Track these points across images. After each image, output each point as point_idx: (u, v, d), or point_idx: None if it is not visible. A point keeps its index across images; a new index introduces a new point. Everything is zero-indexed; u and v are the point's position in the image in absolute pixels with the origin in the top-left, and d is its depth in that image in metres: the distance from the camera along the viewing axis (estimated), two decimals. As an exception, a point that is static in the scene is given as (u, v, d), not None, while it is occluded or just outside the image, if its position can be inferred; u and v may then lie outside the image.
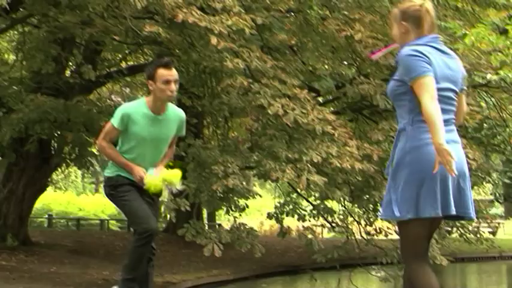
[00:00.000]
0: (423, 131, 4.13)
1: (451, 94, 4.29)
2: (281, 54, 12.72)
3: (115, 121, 5.68)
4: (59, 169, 19.05)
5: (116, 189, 5.75)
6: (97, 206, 32.25)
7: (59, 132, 14.86)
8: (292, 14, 13.27)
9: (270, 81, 10.97)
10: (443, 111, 4.13)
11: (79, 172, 42.80)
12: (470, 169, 4.44)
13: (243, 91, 11.33)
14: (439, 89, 4.15)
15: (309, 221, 13.46)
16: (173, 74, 5.62)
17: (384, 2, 11.86)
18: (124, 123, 5.65)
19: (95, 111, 13.73)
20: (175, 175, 5.79)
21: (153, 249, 5.82)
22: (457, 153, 4.12)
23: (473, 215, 4.30)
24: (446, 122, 4.16)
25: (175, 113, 5.87)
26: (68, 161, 16.29)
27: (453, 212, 4.14)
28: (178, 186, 5.86)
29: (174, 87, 5.60)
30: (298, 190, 13.55)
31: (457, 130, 4.40)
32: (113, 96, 18.84)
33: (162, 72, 5.58)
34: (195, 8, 10.45)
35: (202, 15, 10.35)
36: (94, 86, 16.11)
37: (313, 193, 13.32)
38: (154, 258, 5.88)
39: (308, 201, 13.93)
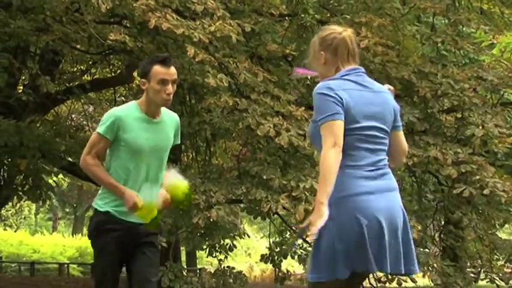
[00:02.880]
0: (349, 177, 4.25)
1: (376, 133, 4.38)
2: (274, 65, 12.67)
3: (102, 129, 5.43)
4: (10, 203, 18.91)
5: (98, 237, 5.53)
6: (55, 247, 32.07)
7: (9, 159, 14.77)
8: (286, 18, 13.24)
9: (260, 96, 10.88)
10: (369, 151, 4.32)
11: (33, 207, 42.65)
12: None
13: (228, 109, 11.25)
14: (360, 128, 4.31)
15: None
16: (171, 72, 5.44)
17: (395, 2, 11.85)
18: (114, 130, 5.42)
19: (53, 134, 13.65)
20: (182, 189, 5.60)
21: None
22: (388, 204, 4.27)
23: (409, 270, 4.36)
24: (375, 164, 4.33)
25: (170, 116, 5.73)
26: (21, 193, 16.14)
27: (373, 270, 4.26)
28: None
29: (171, 89, 5.44)
30: (294, 228, 13.45)
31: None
32: (73, 116, 18.77)
33: (158, 69, 5.40)
34: (170, 11, 10.34)
35: (180, 19, 10.24)
36: (51, 104, 16.02)
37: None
38: None
39: (305, 241, 13.75)
